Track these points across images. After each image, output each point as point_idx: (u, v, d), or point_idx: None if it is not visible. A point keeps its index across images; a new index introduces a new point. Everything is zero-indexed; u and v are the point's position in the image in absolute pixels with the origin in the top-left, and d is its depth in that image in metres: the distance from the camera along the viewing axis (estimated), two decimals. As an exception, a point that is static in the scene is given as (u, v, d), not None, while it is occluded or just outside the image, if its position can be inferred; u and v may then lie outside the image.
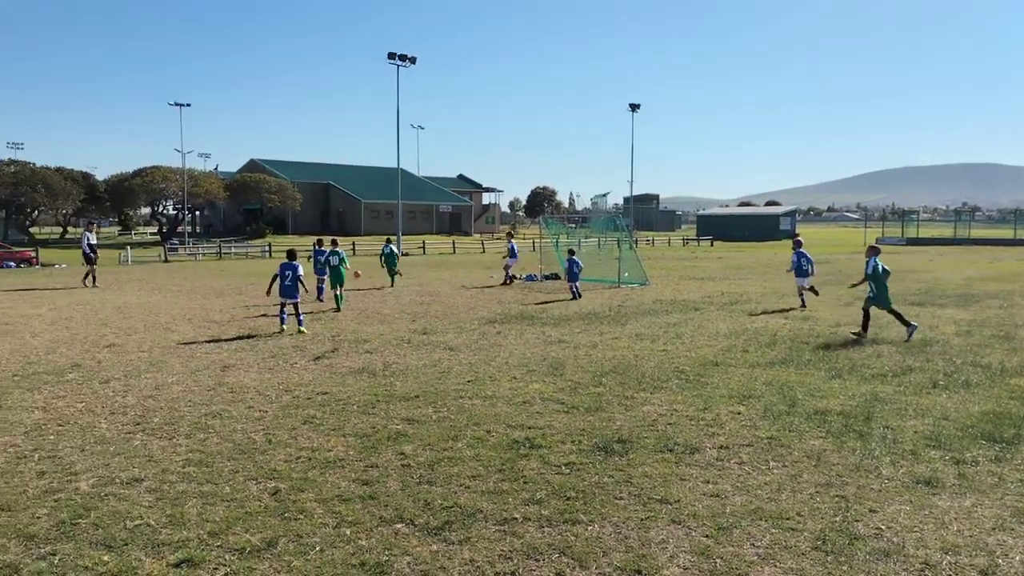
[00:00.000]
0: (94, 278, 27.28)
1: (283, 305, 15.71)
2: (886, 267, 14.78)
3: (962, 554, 5.31)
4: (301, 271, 15.69)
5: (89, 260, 27.46)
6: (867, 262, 14.77)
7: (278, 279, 15.55)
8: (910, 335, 14.13)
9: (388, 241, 29.34)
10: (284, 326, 15.68)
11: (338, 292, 20.10)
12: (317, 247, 22.08)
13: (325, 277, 21.34)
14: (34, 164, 77.39)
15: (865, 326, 14.53)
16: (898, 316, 14.51)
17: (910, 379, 10.85)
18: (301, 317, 15.79)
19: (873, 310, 14.66)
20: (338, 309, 19.55)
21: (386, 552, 5.34)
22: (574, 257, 23.50)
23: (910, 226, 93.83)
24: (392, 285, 26.60)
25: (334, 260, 20.39)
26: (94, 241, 28.09)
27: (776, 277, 30.84)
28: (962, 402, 9.51)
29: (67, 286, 27.44)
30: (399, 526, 5.77)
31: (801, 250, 20.36)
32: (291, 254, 16.23)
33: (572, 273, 23.22)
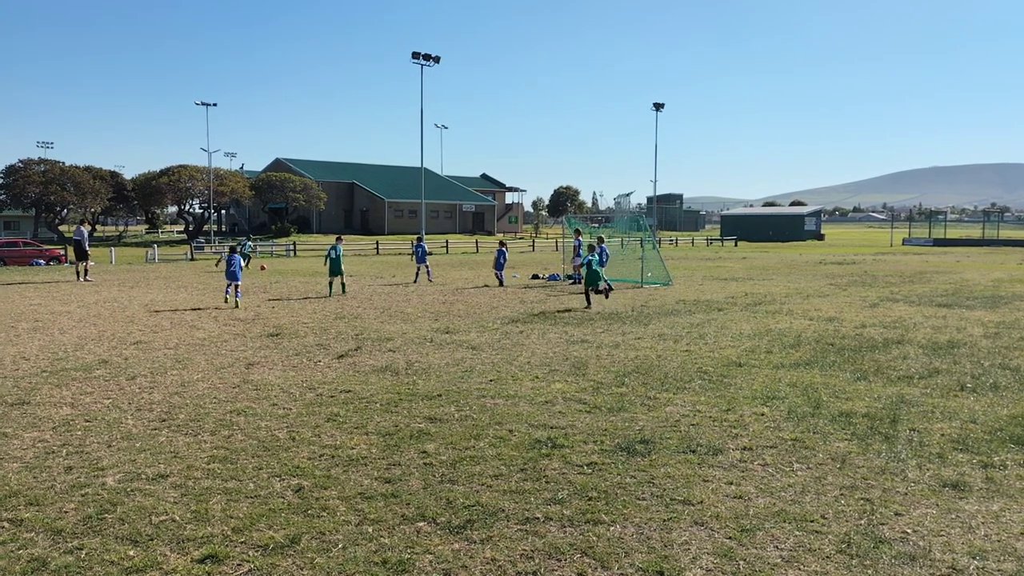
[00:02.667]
0: (86, 271, 29.06)
1: (228, 286, 20.60)
2: (600, 260, 20.84)
3: (990, 559, 5.24)
4: (243, 262, 21.40)
5: (82, 255, 29.26)
6: (585, 258, 20.82)
7: (228, 263, 20.63)
8: (588, 307, 19.40)
9: (339, 239, 25.02)
10: (230, 300, 20.36)
11: (342, 280, 23.87)
12: (417, 242, 30.03)
13: (424, 265, 28.94)
14: (63, 163, 78.40)
15: (588, 300, 19.91)
16: (595, 293, 20.05)
17: (937, 381, 10.72)
18: (240, 296, 20.39)
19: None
20: (330, 294, 23.14)
21: (408, 550, 5.35)
22: (503, 249, 28.01)
23: (937, 227, 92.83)
24: (331, 292, 23.27)
25: (332, 254, 23.69)
26: (86, 236, 30.07)
27: (801, 278, 30.61)
28: (990, 405, 9.39)
29: (94, 283, 27.77)
30: (421, 524, 5.79)
31: (603, 246, 25.03)
32: (233, 249, 22.17)
33: (498, 263, 27.57)
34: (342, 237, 26.81)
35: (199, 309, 19.54)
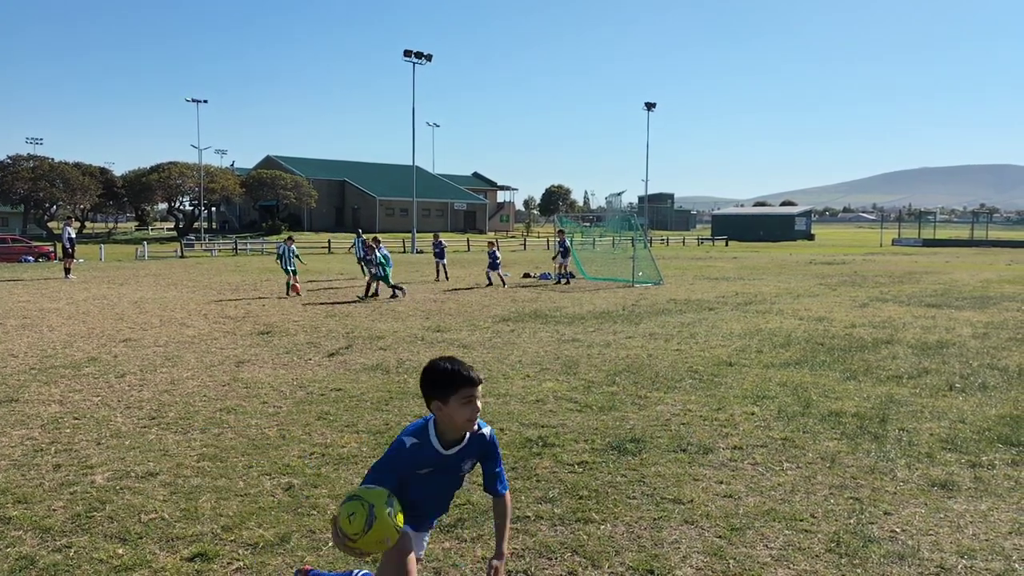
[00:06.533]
0: (67, 270, 29.06)
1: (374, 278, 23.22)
2: (387, 256, 22.59)
3: (978, 558, 5.27)
4: (386, 251, 23.24)
5: (67, 253, 29.41)
6: (377, 254, 22.40)
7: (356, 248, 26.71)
8: (393, 297, 21.66)
9: (290, 239, 24.58)
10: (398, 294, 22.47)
11: (288, 281, 23.31)
12: (436, 240, 30.28)
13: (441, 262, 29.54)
14: (53, 159, 77.99)
15: (367, 292, 22.15)
16: (391, 287, 22.13)
17: (926, 381, 10.77)
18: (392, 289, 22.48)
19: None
20: (287, 295, 22.59)
21: (398, 549, 5.34)
22: (494, 250, 27.47)
23: (926, 227, 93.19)
24: (288, 293, 22.77)
25: (288, 255, 23.35)
26: (73, 235, 30.19)
27: (792, 278, 30.70)
28: (979, 405, 9.43)
29: (84, 280, 27.67)
30: (412, 523, 5.77)
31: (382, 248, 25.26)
32: (360, 232, 28.23)
33: (494, 264, 27.10)
34: (293, 237, 25.66)
35: (262, 298, 19.46)
